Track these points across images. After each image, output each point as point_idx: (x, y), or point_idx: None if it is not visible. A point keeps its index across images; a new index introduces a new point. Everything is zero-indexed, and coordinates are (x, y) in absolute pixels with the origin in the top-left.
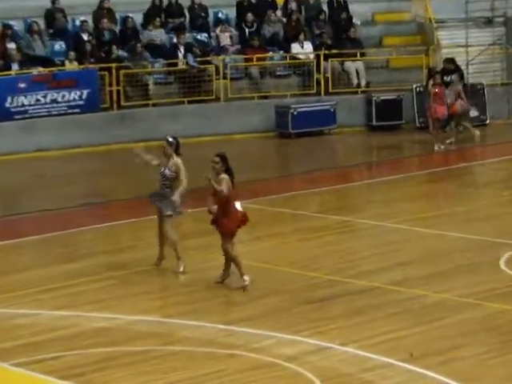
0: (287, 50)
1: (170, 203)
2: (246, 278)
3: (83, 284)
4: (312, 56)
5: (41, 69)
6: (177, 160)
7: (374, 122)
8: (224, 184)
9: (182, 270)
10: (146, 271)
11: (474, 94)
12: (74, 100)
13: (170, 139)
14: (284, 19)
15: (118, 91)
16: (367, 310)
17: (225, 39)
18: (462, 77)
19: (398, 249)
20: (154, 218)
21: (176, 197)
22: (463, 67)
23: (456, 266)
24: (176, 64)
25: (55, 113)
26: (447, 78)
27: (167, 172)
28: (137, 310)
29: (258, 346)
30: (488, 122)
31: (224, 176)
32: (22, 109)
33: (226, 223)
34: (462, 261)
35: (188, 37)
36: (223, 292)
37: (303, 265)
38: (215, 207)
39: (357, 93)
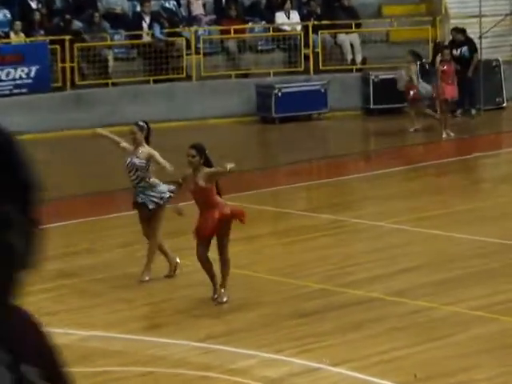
0: (270, 20)
1: (153, 192)
2: (223, 296)
3: (31, 294)
4: (299, 28)
5: None
6: (148, 148)
7: (372, 105)
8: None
9: (147, 278)
10: (104, 279)
11: (488, 72)
12: (21, 78)
13: (141, 123)
14: None
15: (72, 68)
16: (364, 324)
17: (197, 8)
18: (474, 51)
19: (399, 253)
20: (114, 217)
21: (157, 182)
22: (475, 41)
23: (467, 274)
24: (140, 36)
25: None
26: (456, 52)
27: (136, 161)
28: (94, 324)
29: (236, 367)
30: (505, 104)
31: (207, 170)
32: None
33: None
34: (474, 267)
35: (154, 4)
36: (195, 304)
37: (288, 272)
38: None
39: (351, 71)
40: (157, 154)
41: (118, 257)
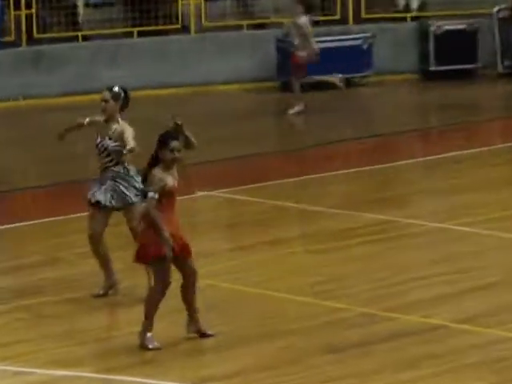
0: None
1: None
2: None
3: None
4: None
5: None
6: (122, 125)
7: (433, 67)
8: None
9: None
10: (71, 300)
11: None
12: None
13: (116, 89)
14: None
15: (30, 17)
16: (421, 361)
17: None
18: None
19: (468, 266)
20: (83, 216)
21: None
22: None
23: None
24: None
25: None
26: None
27: (108, 143)
28: (57, 360)
29: None
30: None
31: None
32: None
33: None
34: None
35: None
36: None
37: (319, 290)
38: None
39: (405, 20)
40: (129, 132)
41: (89, 270)
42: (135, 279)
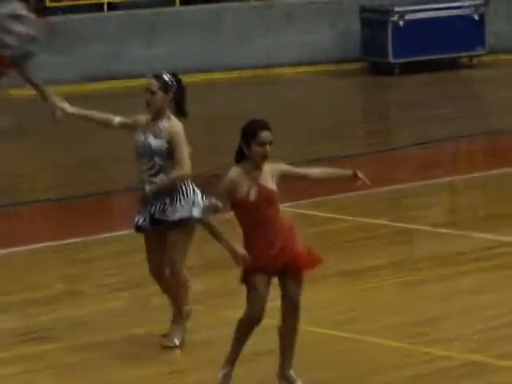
0: None
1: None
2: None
3: None
4: None
5: None
6: (174, 122)
7: None
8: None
9: (178, 342)
10: (92, 346)
11: None
12: None
13: (165, 76)
14: None
15: None
16: None
17: None
18: None
19: None
20: (108, 238)
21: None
22: None
23: None
24: None
25: None
26: None
27: (154, 143)
28: None
29: None
30: None
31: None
32: None
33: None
34: None
35: None
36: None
37: (414, 333)
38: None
39: None
40: (183, 141)
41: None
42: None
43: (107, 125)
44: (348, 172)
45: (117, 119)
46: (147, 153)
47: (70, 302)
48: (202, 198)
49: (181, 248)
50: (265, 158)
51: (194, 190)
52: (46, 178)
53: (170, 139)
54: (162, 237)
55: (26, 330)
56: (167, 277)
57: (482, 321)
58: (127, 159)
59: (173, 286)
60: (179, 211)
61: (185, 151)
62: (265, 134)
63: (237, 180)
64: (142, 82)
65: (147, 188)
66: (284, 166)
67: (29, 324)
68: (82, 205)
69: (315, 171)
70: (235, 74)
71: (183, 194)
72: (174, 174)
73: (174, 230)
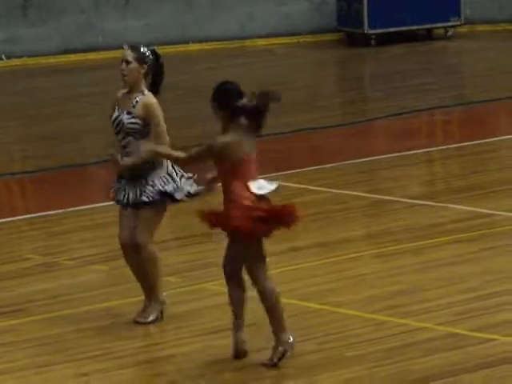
0: None
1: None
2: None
3: None
4: None
5: None
6: (148, 96)
7: None
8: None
9: (151, 318)
10: (65, 318)
11: None
12: None
13: (142, 47)
14: None
15: None
16: None
17: None
18: None
19: None
20: (86, 210)
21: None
22: None
23: None
24: None
25: None
26: None
27: (127, 121)
28: None
29: None
30: None
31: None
32: None
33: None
34: None
35: None
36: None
37: (392, 304)
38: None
39: None
40: (160, 116)
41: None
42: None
43: None
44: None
45: None
46: (121, 130)
47: (46, 275)
48: (180, 179)
49: (150, 225)
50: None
51: (172, 171)
52: (21, 150)
53: (144, 114)
54: (136, 213)
55: (0, 303)
56: (136, 253)
57: (459, 293)
58: (103, 131)
59: (142, 262)
60: (154, 193)
61: (162, 124)
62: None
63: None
64: (117, 53)
65: (122, 160)
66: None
67: (4, 297)
68: (57, 177)
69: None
70: (210, 46)
71: (160, 174)
72: (151, 147)
73: (146, 208)
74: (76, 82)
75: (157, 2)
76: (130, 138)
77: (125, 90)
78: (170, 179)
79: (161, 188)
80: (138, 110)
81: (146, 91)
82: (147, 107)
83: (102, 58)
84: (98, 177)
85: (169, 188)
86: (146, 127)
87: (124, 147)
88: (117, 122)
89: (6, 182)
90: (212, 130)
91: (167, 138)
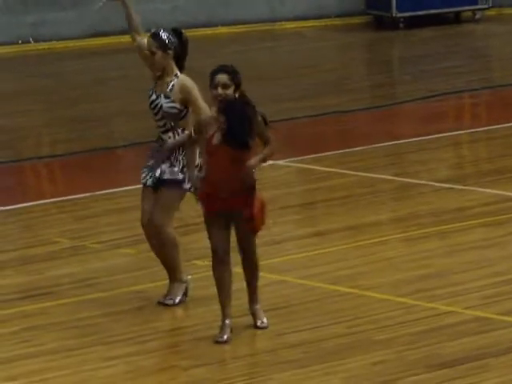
0: None
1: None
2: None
3: None
4: None
5: None
6: (182, 79)
7: None
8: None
9: (177, 300)
10: (95, 300)
11: None
12: None
13: (163, 35)
14: None
15: None
16: None
17: None
18: None
19: None
20: (113, 193)
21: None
22: None
23: None
24: None
25: None
26: None
27: (165, 104)
28: (79, 381)
29: None
30: None
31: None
32: None
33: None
34: None
35: None
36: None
37: (419, 288)
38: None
39: None
40: (199, 97)
41: (119, 263)
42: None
43: (132, 35)
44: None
45: (138, 38)
46: (159, 112)
47: (74, 259)
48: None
49: (167, 207)
50: (216, 99)
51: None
52: (50, 133)
53: (182, 96)
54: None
55: (29, 286)
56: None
57: (486, 277)
58: (132, 114)
59: (161, 245)
60: (174, 174)
61: (202, 102)
62: (217, 78)
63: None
64: (145, 36)
65: (168, 142)
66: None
67: (32, 280)
68: (85, 160)
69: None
70: (239, 29)
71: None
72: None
73: (164, 190)
74: (104, 66)
75: None
76: (167, 119)
77: (158, 74)
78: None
79: (181, 173)
80: (176, 94)
81: (179, 73)
82: (184, 89)
83: (130, 42)
84: (125, 160)
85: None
86: (182, 111)
87: (161, 127)
88: (154, 105)
89: (34, 166)
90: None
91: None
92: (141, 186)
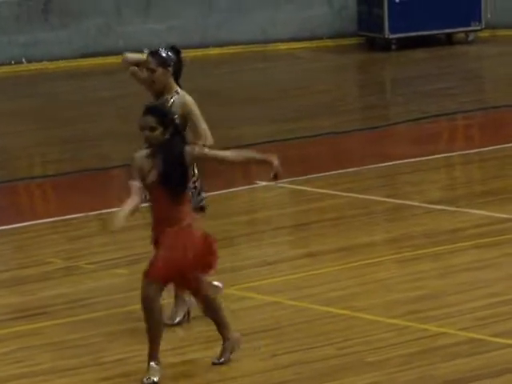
0: None
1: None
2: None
3: None
4: None
5: None
6: (183, 95)
7: None
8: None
9: (177, 320)
10: (89, 320)
11: None
12: None
13: (163, 53)
14: None
15: None
16: None
17: None
18: None
19: None
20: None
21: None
22: None
23: None
24: None
25: None
26: None
27: None
28: None
29: None
30: None
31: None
32: None
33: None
34: None
35: None
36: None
37: (412, 309)
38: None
39: None
40: (198, 114)
41: (112, 283)
42: None
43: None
44: (264, 156)
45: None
46: None
47: (68, 279)
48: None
49: None
50: (146, 142)
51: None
52: (42, 154)
53: (182, 112)
54: None
55: (23, 306)
56: None
57: (479, 298)
58: (124, 134)
59: None
60: None
61: (203, 122)
62: (142, 120)
63: (139, 162)
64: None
65: None
66: (196, 150)
67: (26, 300)
68: (78, 181)
69: (232, 154)
70: (231, 50)
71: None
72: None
73: None
74: (96, 86)
75: (178, 6)
76: None
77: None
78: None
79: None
80: (176, 109)
81: (179, 89)
82: (185, 107)
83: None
84: (118, 181)
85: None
86: (183, 124)
87: None
88: None
89: (27, 186)
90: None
91: (209, 133)
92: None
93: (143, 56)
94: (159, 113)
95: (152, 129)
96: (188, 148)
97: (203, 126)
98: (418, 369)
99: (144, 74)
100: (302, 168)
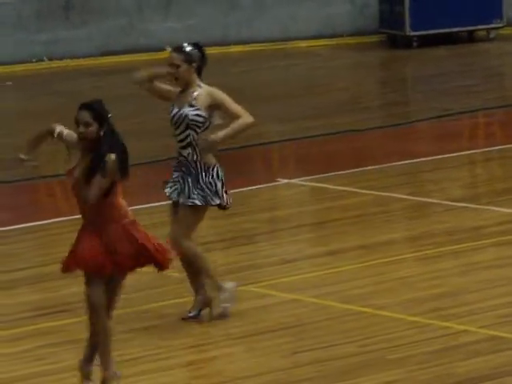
0: None
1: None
2: None
3: None
4: None
5: None
6: (208, 87)
7: None
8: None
9: (192, 314)
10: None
11: None
12: None
13: (188, 48)
14: None
15: None
16: None
17: None
18: None
19: None
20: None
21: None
22: None
23: None
24: None
25: None
26: None
27: (191, 113)
28: None
29: None
30: None
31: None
32: None
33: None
34: None
35: None
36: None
37: (433, 307)
38: None
39: None
40: (229, 101)
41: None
42: None
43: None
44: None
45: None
46: (182, 123)
47: None
48: (223, 186)
49: (187, 222)
50: (79, 137)
51: (217, 175)
52: (64, 152)
53: (210, 102)
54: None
55: (45, 303)
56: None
57: (500, 296)
58: (143, 132)
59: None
60: (200, 199)
61: (235, 104)
62: (78, 115)
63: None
64: (158, 55)
65: (211, 137)
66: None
67: (48, 298)
68: None
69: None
70: (252, 47)
71: (205, 178)
72: (240, 122)
73: (186, 207)
74: (117, 84)
75: (199, 4)
76: (189, 131)
77: (177, 90)
78: (214, 184)
79: (208, 197)
80: (202, 101)
81: (202, 83)
82: (212, 94)
83: (143, 60)
84: (140, 178)
85: (215, 199)
86: (206, 121)
87: (181, 141)
88: (177, 116)
89: (50, 184)
90: None
91: (245, 111)
92: (151, 205)
93: (152, 71)
94: (95, 109)
95: (87, 124)
96: (109, 157)
97: (238, 106)
98: (439, 367)
99: (159, 85)
100: (323, 166)
